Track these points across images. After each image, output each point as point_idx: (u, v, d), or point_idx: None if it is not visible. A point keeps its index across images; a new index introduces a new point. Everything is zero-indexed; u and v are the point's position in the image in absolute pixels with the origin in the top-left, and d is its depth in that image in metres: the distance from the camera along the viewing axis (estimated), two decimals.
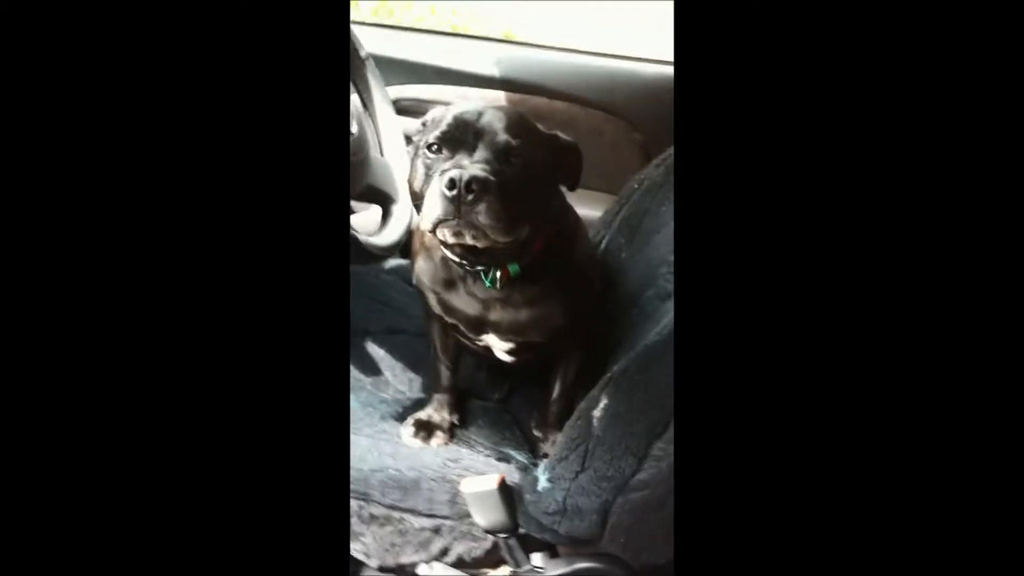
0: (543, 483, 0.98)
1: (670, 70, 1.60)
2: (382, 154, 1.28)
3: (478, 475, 1.02)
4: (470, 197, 0.79)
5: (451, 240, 0.85)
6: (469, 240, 0.83)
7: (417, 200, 0.89)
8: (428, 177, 0.86)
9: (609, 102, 1.53)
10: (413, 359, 1.33)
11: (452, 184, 0.79)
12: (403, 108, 1.39)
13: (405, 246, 1.20)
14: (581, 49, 1.65)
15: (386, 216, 1.23)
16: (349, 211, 0.90)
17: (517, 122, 0.89)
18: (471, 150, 0.85)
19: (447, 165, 0.84)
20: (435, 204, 0.82)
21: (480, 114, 0.87)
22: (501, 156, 0.85)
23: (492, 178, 0.81)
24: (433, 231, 0.84)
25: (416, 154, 0.91)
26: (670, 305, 1.04)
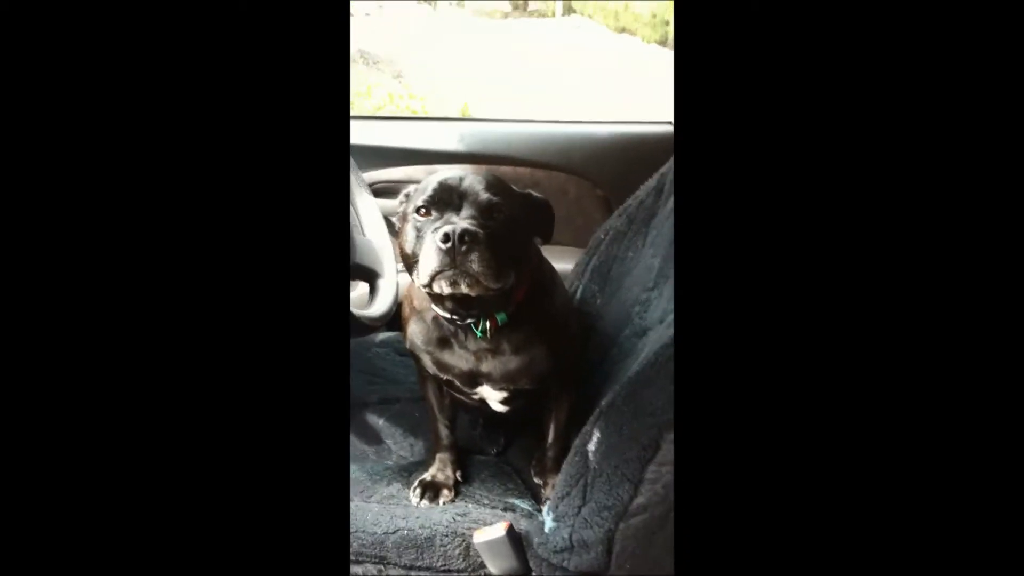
0: (549, 523, 1.02)
1: (623, 128, 1.74)
2: (364, 234, 1.37)
3: (487, 526, 1.06)
4: (463, 248, 0.88)
5: (447, 290, 0.92)
6: (464, 288, 0.92)
7: (410, 261, 0.98)
8: (419, 238, 0.95)
9: (568, 164, 1.66)
10: (411, 424, 1.39)
11: (447, 238, 0.88)
12: (377, 191, 1.49)
13: (393, 318, 1.27)
14: (537, 119, 1.79)
15: (373, 291, 1.31)
16: (349, 284, 0.98)
17: (495, 183, 0.99)
18: (457, 209, 0.95)
19: (438, 224, 0.93)
20: (431, 258, 0.90)
21: (462, 178, 0.97)
22: (485, 212, 0.95)
23: (480, 231, 0.90)
24: (429, 284, 0.92)
25: (405, 220, 1.01)
26: (646, 340, 1.11)
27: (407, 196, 1.05)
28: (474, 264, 0.89)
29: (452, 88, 5.10)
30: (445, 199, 0.96)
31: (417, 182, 1.06)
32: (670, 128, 1.72)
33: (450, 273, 0.90)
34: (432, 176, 1.01)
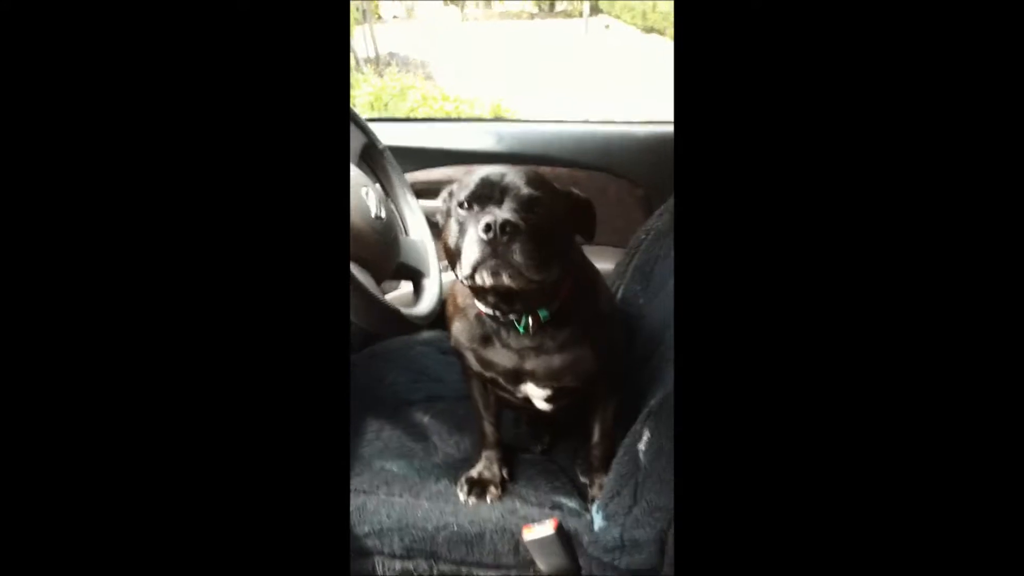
0: (599, 522, 1.03)
1: (661, 128, 1.74)
2: (408, 234, 1.39)
3: (535, 523, 1.07)
4: (505, 238, 0.89)
5: (488, 281, 0.93)
6: (506, 280, 0.92)
7: (453, 256, 0.99)
8: (462, 232, 0.96)
9: (608, 164, 1.66)
10: (456, 422, 1.40)
11: (488, 228, 0.89)
12: (419, 191, 1.51)
13: (438, 316, 1.29)
14: (575, 120, 1.80)
15: (418, 290, 1.33)
16: (349, 282, 0.99)
17: (536, 178, 1.00)
18: (499, 204, 0.96)
19: (481, 217, 0.94)
20: (473, 249, 0.91)
21: (504, 174, 0.98)
22: (526, 206, 0.95)
23: (522, 223, 0.91)
24: (471, 276, 0.93)
25: (448, 215, 1.02)
26: None
27: (450, 194, 1.06)
28: (516, 255, 0.90)
29: (483, 88, 5.14)
30: (487, 193, 0.97)
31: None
32: None
33: (492, 263, 0.91)
34: (474, 172, 1.02)
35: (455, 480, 1.21)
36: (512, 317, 1.05)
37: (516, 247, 0.90)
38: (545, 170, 1.66)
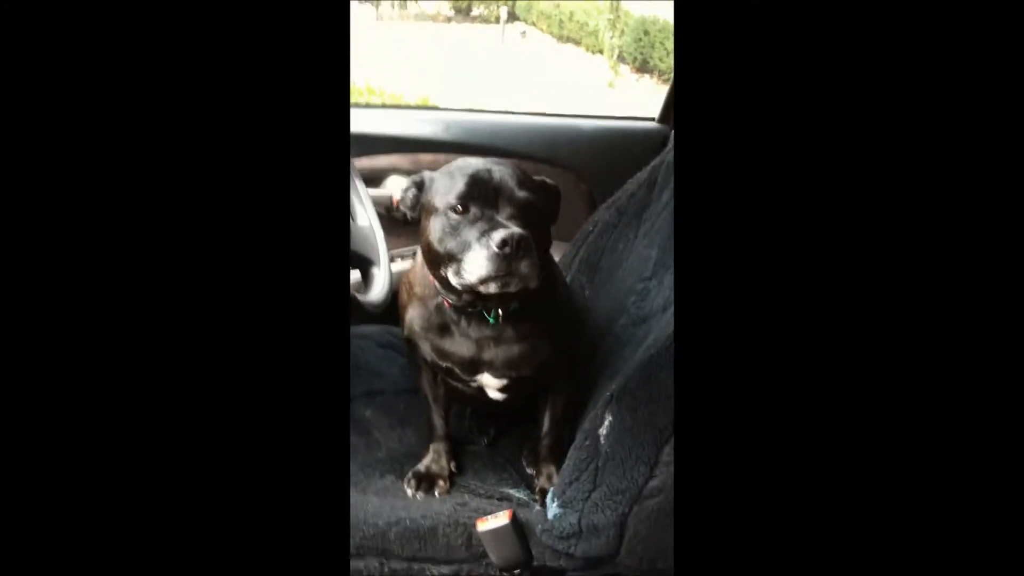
0: (554, 510, 1.02)
1: (608, 123, 1.78)
2: (355, 221, 1.34)
3: (488, 515, 1.05)
4: (519, 253, 0.90)
5: (494, 290, 0.93)
6: (511, 289, 0.93)
7: (438, 256, 0.96)
8: (455, 236, 0.94)
9: (553, 156, 1.67)
10: (398, 416, 1.37)
11: (505, 244, 0.89)
12: (365, 178, 1.47)
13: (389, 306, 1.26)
14: (524, 111, 1.79)
15: (367, 278, 1.29)
16: (349, 276, 0.96)
17: (523, 177, 0.99)
18: (495, 207, 0.95)
19: (482, 225, 0.93)
20: (483, 262, 0.90)
21: (490, 171, 0.97)
22: (524, 211, 0.95)
23: (530, 236, 0.92)
24: (475, 285, 0.93)
25: (431, 213, 0.98)
26: (648, 327, 1.13)
27: (418, 186, 1.03)
28: (524, 267, 0.91)
29: (405, 85, 5.09)
30: (479, 194, 0.95)
31: (405, 171, 1.05)
32: (654, 125, 1.75)
33: (504, 278, 0.91)
34: (455, 168, 0.99)
35: (401, 475, 1.17)
36: (480, 308, 1.03)
37: (526, 260, 0.91)
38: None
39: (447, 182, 0.98)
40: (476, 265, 0.91)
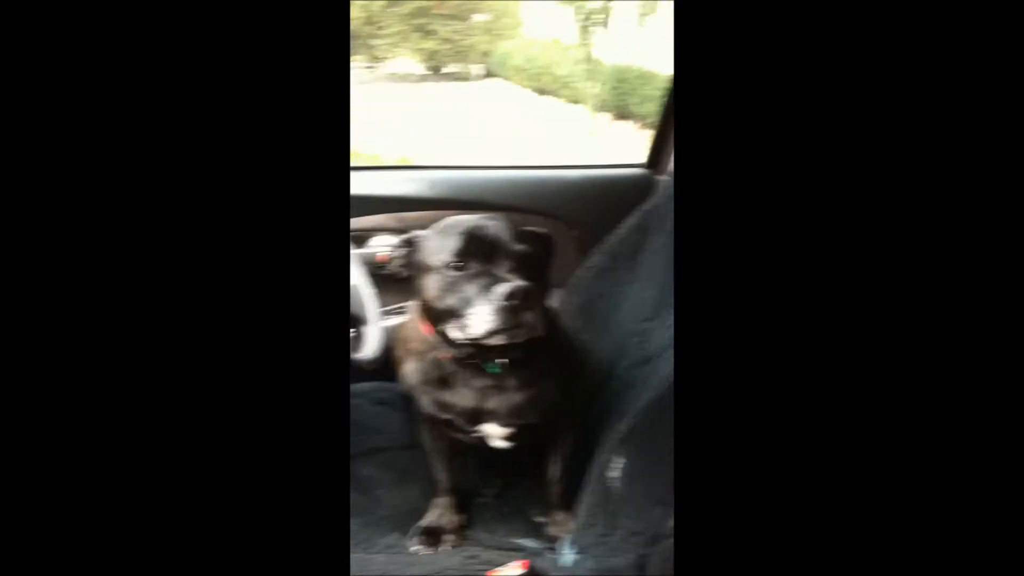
0: (571, 556, 1.01)
1: (593, 172, 1.82)
2: None
3: (499, 567, 1.04)
4: (525, 304, 0.91)
5: (499, 343, 0.93)
6: (519, 340, 0.94)
7: (438, 313, 0.97)
8: (455, 292, 0.95)
9: (541, 207, 1.70)
10: (400, 472, 1.34)
11: (511, 296, 0.90)
12: (351, 238, 1.48)
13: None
14: (508, 165, 1.84)
15: (359, 336, 1.29)
16: (349, 337, 0.96)
17: (513, 229, 1.00)
18: (492, 261, 0.95)
19: (482, 280, 0.93)
20: (488, 316, 0.91)
21: (484, 227, 0.98)
22: (522, 263, 0.96)
23: (532, 286, 0.93)
24: (481, 338, 0.93)
25: (426, 271, 0.99)
26: (650, 368, 1.14)
27: (407, 243, 1.04)
28: (530, 317, 0.92)
29: (381, 146, 5.16)
30: (476, 250, 0.96)
31: (389, 230, 1.06)
32: (640, 171, 1.80)
33: (511, 331, 0.92)
34: (447, 226, 1.00)
35: (405, 532, 1.15)
36: (480, 360, 1.03)
37: (531, 310, 0.92)
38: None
39: (440, 240, 0.99)
40: (482, 319, 0.92)
